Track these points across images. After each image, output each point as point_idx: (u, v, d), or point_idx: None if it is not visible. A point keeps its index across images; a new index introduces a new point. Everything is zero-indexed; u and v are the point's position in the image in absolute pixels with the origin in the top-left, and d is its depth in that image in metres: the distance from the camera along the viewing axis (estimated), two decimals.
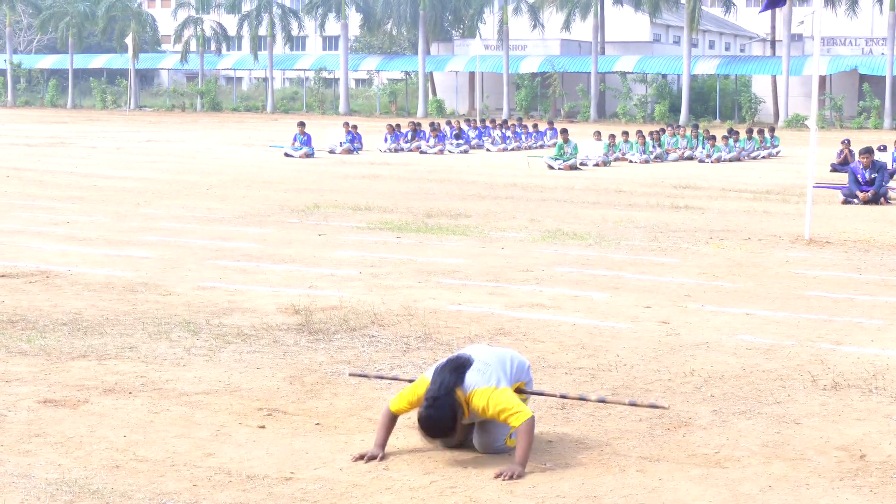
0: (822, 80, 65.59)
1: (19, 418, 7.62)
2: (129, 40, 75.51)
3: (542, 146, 41.88)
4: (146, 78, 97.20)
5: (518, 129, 43.34)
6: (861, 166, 23.18)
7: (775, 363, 9.34)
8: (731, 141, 37.05)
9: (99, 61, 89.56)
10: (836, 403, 8.16)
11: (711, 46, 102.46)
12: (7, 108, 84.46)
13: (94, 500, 6.16)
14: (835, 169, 31.72)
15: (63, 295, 11.93)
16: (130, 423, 7.57)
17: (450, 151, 38.98)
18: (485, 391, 6.73)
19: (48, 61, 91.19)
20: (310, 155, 35.27)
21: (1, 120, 60.92)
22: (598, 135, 36.21)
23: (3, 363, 9.07)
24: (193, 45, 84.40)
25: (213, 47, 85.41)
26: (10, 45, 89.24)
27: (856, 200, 22.69)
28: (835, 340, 10.23)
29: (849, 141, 33.80)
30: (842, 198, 22.96)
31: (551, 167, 31.88)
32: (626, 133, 37.41)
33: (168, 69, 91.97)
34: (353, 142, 38.13)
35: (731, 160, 36.18)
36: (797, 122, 62.50)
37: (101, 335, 10.09)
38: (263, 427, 7.50)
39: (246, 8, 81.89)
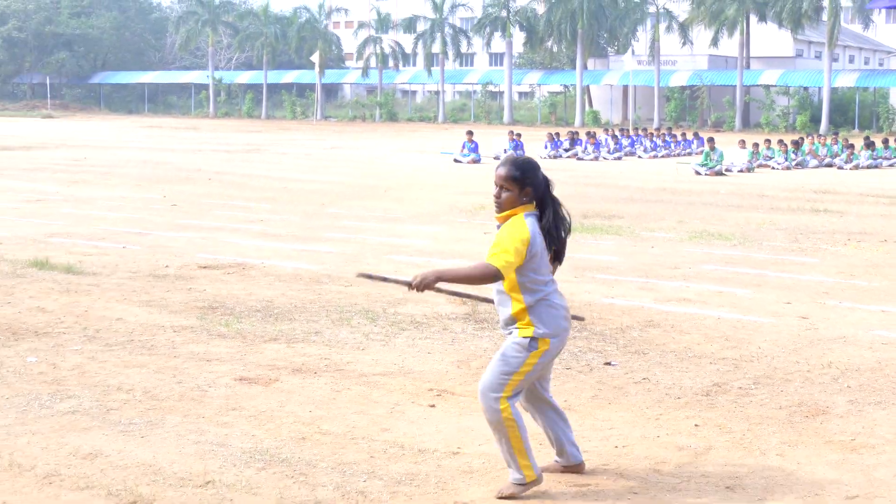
0: None
1: (218, 393, 7.81)
2: (315, 58, 76.53)
3: (689, 154, 41.26)
4: (331, 91, 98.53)
5: (667, 138, 42.78)
6: None
7: None
8: (869, 150, 36.00)
9: (290, 77, 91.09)
10: None
11: (851, 61, 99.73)
12: (209, 118, 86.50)
13: (283, 468, 6.28)
14: None
15: (257, 285, 12.18)
16: (315, 399, 7.69)
17: (604, 158, 38.71)
18: (520, 222, 5.78)
19: (245, 77, 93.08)
20: (477, 161, 35.39)
21: (204, 129, 62.46)
22: (742, 143, 35.55)
23: (205, 344, 9.31)
24: (373, 62, 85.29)
25: (390, 63, 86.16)
26: (212, 62, 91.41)
27: None
28: None
29: None
30: None
31: (698, 173, 31.42)
32: (768, 141, 36.65)
33: (350, 83, 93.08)
34: (517, 149, 38.09)
35: (868, 167, 35.17)
36: None
37: (291, 321, 10.28)
38: (433, 406, 7.56)
39: (420, 28, 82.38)
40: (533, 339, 5.80)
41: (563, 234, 5.93)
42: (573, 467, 6.20)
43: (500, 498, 5.86)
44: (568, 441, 6.18)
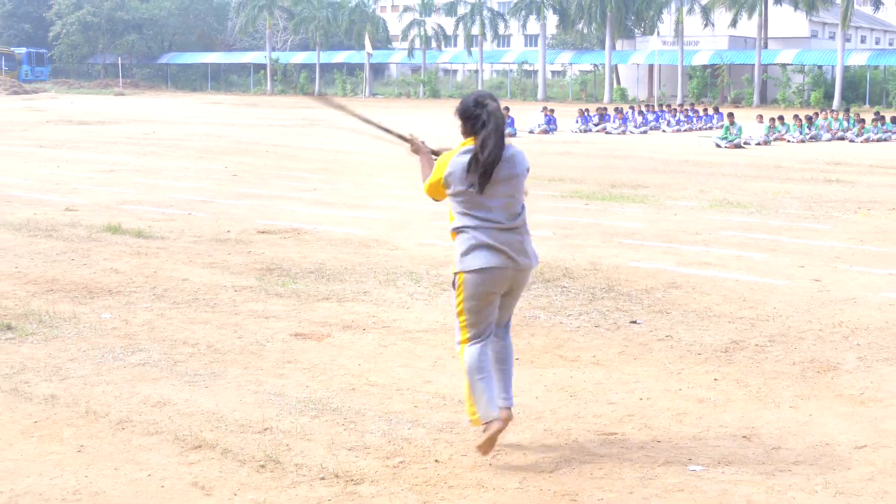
0: None
1: (275, 348, 7.86)
2: (366, 40, 76.37)
3: (710, 128, 40.86)
4: (378, 70, 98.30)
5: (690, 114, 42.40)
6: None
7: None
8: (879, 124, 35.53)
9: (340, 57, 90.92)
10: None
11: (863, 41, 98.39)
12: (267, 95, 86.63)
13: (334, 416, 6.32)
14: None
15: (311, 248, 12.22)
16: (364, 354, 7.72)
17: (631, 132, 38.45)
18: (448, 153, 5.59)
19: (300, 57, 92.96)
20: (513, 135, 35.23)
21: (262, 106, 62.57)
22: (759, 118, 35.17)
23: (263, 303, 9.36)
24: (417, 43, 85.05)
25: (433, 44, 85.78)
26: (269, 44, 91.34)
27: None
28: None
29: None
30: None
31: (718, 146, 31.14)
32: (781, 118, 36.25)
33: (396, 63, 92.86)
34: (550, 124, 37.96)
35: (878, 140, 34.72)
36: None
37: (341, 282, 10.31)
38: None
39: (461, 11, 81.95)
40: (455, 273, 5.54)
41: (478, 164, 5.38)
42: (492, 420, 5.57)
43: (478, 448, 5.59)
44: (490, 390, 5.59)
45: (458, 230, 5.48)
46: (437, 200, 5.67)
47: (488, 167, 5.36)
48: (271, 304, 9.29)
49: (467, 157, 5.41)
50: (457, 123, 5.54)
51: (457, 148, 5.54)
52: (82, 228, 13.41)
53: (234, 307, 9.18)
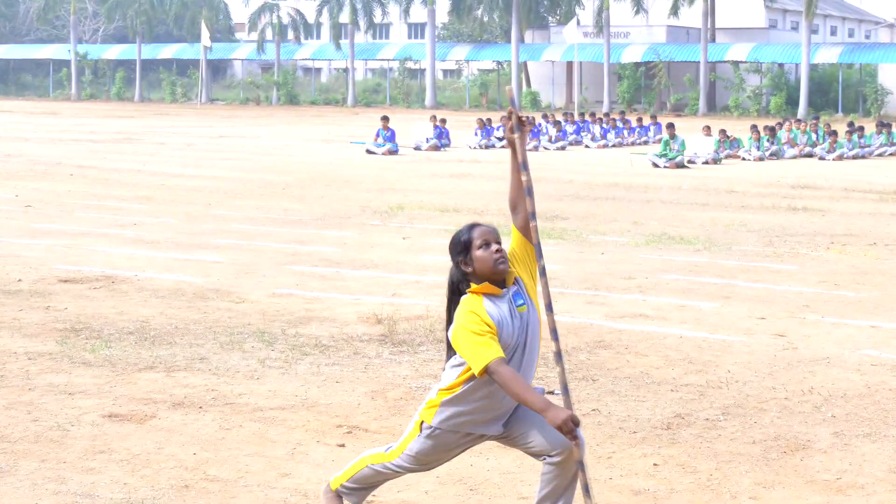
0: None
1: (83, 433, 7.73)
2: (202, 29, 76.17)
3: (646, 142, 41.64)
4: (218, 69, 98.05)
5: (620, 124, 43.14)
6: None
7: None
8: (854, 136, 36.53)
9: (168, 51, 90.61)
10: None
11: (833, 33, 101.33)
12: (71, 101, 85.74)
13: None
14: None
15: (129, 302, 12.07)
16: (201, 439, 7.64)
17: (545, 148, 38.91)
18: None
19: (115, 52, 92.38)
20: (394, 152, 35.39)
21: (65, 114, 61.84)
22: (707, 129, 35.86)
23: (67, 374, 9.20)
24: (269, 34, 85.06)
25: (290, 36, 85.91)
26: (74, 34, 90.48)
27: None
28: None
29: None
30: None
31: (656, 165, 31.69)
32: (723, 131, 37.06)
33: (242, 59, 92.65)
34: (441, 137, 38.20)
35: (854, 157, 35.69)
36: None
37: (170, 345, 10.20)
38: (343, 445, 7.54)
39: None
40: None
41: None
42: None
43: None
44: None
45: None
46: None
47: None
48: (77, 377, 9.14)
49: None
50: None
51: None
52: None
53: (28, 380, 9.01)
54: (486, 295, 5.73)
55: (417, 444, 5.96)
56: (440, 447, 5.94)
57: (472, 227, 5.95)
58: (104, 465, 7.14)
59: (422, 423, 5.93)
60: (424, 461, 6.02)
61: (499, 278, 5.78)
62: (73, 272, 13.78)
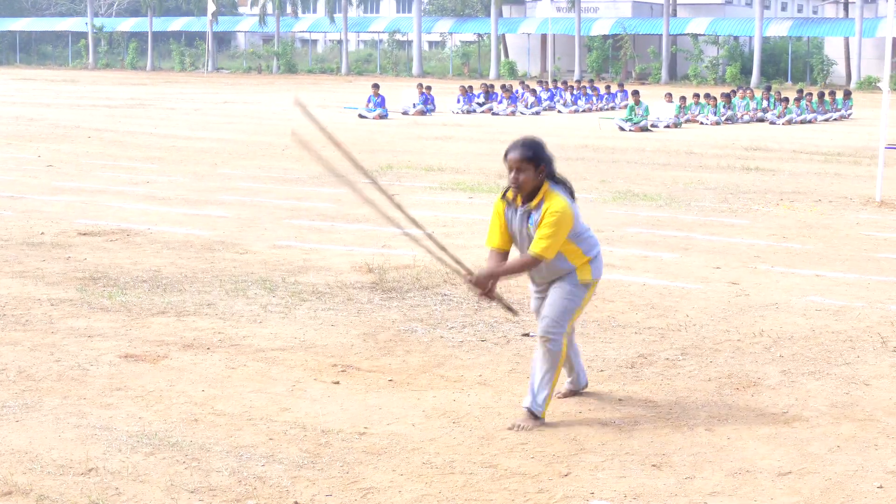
0: None
1: (101, 372, 7.73)
2: (208, 3, 75.63)
3: (613, 108, 41.55)
4: (223, 40, 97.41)
5: (589, 92, 43.03)
6: None
7: (845, 325, 9.25)
8: (802, 102, 36.55)
9: (178, 24, 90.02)
10: None
11: (784, 9, 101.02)
12: (89, 70, 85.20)
13: (173, 453, 6.24)
14: None
15: (143, 253, 12.06)
16: (208, 377, 7.65)
17: (521, 113, 38.84)
18: (561, 202, 6.69)
19: (128, 24, 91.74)
20: (383, 116, 35.33)
21: (83, 82, 61.51)
22: (669, 97, 35.88)
23: (86, 319, 9.20)
24: (270, 8, 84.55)
25: (289, 10, 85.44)
26: (91, 7, 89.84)
27: None
28: None
29: None
30: None
31: (622, 129, 31.68)
32: (696, 95, 37.04)
33: (245, 32, 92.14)
34: (427, 103, 38.12)
35: (802, 122, 35.72)
36: (869, 85, 61.48)
37: (180, 292, 10.20)
38: (338, 383, 7.56)
39: None
40: (592, 280, 6.87)
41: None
42: (578, 390, 7.32)
43: (514, 428, 6.64)
44: (579, 366, 7.30)
45: (593, 242, 6.92)
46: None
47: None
48: (96, 321, 9.14)
49: (568, 197, 6.84)
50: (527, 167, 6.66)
51: (551, 194, 6.74)
52: None
53: (51, 324, 9.00)
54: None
55: (581, 300, 6.82)
56: None
57: (507, 152, 6.76)
58: (121, 401, 7.15)
59: (587, 283, 6.81)
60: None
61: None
62: (91, 226, 13.75)
